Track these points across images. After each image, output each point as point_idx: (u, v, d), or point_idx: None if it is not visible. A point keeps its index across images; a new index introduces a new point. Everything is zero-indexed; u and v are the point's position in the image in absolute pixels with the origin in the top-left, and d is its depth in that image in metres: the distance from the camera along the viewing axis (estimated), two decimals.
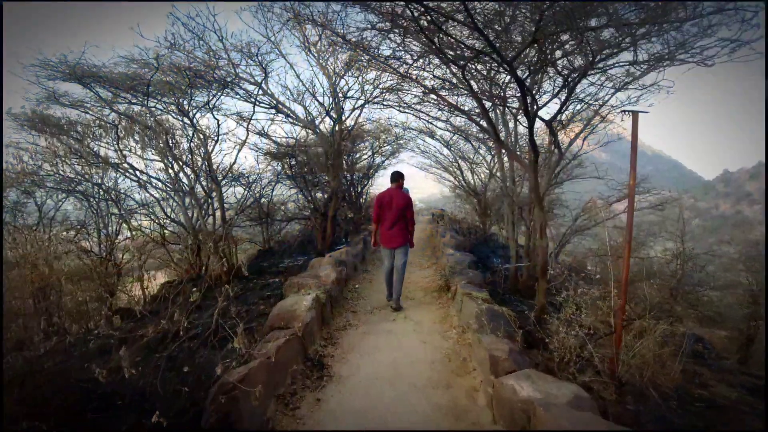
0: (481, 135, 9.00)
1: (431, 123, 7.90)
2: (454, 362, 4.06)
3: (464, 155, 12.62)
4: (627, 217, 3.59)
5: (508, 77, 4.91)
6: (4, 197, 7.52)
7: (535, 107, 3.44)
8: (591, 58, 2.95)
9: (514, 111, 6.56)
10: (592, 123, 5.66)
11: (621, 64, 3.32)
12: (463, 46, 3.22)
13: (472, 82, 3.86)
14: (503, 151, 7.05)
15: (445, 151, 12.65)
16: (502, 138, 6.97)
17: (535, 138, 6.81)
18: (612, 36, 2.93)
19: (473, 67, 3.81)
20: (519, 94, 5.28)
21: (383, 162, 14.21)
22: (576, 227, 6.92)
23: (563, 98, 3.61)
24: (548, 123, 3.73)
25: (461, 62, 3.27)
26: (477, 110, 5.79)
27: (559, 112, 3.79)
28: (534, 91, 3.48)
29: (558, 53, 3.61)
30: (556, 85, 3.65)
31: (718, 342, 7.57)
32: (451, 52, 3.35)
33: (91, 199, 8.71)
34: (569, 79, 3.25)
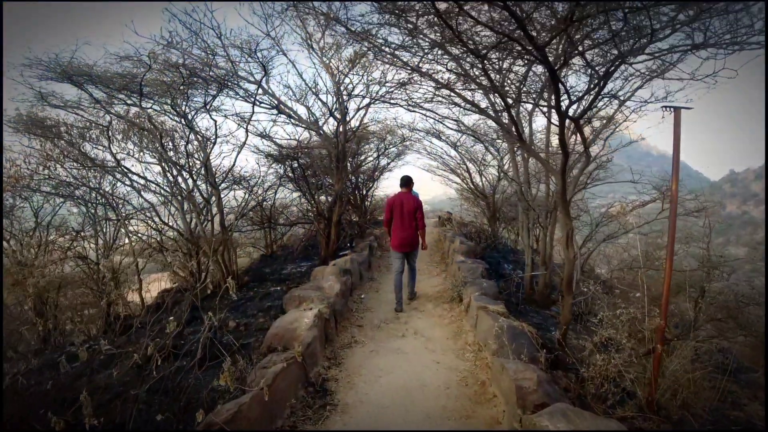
0: (494, 135, 8.57)
1: (441, 122, 7.49)
2: (471, 387, 3.65)
3: (472, 157, 12.27)
4: (669, 227, 3.18)
5: (525, 70, 4.52)
6: None
7: (567, 102, 3.03)
8: (640, 41, 2.53)
9: (528, 108, 6.16)
10: (615, 120, 5.23)
11: (678, 48, 2.90)
12: (483, 32, 2.83)
13: (490, 75, 3.44)
14: (517, 151, 6.65)
15: (453, 153, 12.28)
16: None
17: (552, 137, 6.44)
18: (672, 12, 2.52)
19: (493, 57, 3.41)
20: (538, 89, 4.92)
21: (389, 164, 13.85)
22: (598, 233, 6.46)
23: (594, 92, 3.20)
24: (576, 120, 3.33)
25: (482, 51, 2.87)
26: (490, 107, 5.40)
27: (589, 108, 3.39)
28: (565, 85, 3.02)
29: (587, 43, 3.21)
30: (591, 77, 3.21)
31: (738, 351, 7.11)
32: (469, 42, 2.96)
33: (89, 204, 8.38)
34: (611, 66, 2.83)
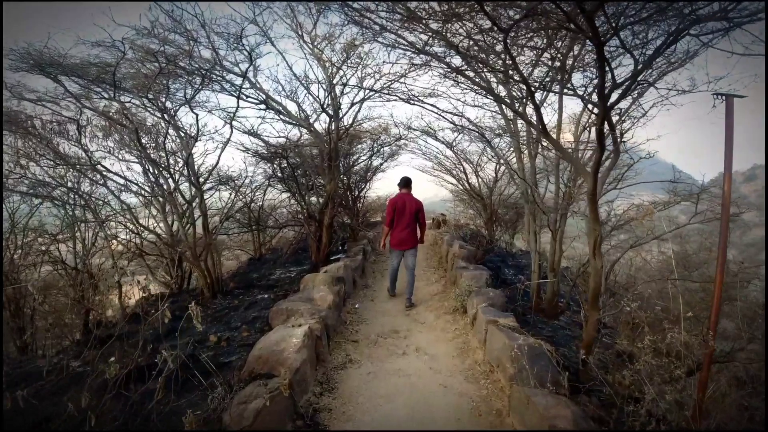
0: (498, 130, 8.10)
1: (441, 117, 7.03)
2: (486, 417, 3.16)
3: (468, 157, 11.82)
4: (720, 233, 2.73)
5: (539, 54, 4.05)
6: None
7: (609, 85, 2.54)
8: None
9: (538, 99, 5.70)
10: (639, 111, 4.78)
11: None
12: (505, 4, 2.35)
13: (513, 54, 2.93)
14: (523, 148, 6.19)
15: (449, 153, 11.80)
16: (521, 129, 6.11)
17: (563, 132, 5.98)
18: None
19: (517, 31, 2.92)
20: (547, 76, 4.45)
21: (381, 164, 13.32)
22: (612, 238, 6.00)
23: (632, 75, 2.73)
24: (608, 109, 2.85)
25: (506, 25, 2.39)
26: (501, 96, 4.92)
27: (624, 94, 2.90)
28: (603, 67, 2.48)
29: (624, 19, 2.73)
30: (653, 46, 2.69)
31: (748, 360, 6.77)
32: (493, 12, 2.48)
33: (66, 206, 7.79)
34: (676, 33, 2.35)
